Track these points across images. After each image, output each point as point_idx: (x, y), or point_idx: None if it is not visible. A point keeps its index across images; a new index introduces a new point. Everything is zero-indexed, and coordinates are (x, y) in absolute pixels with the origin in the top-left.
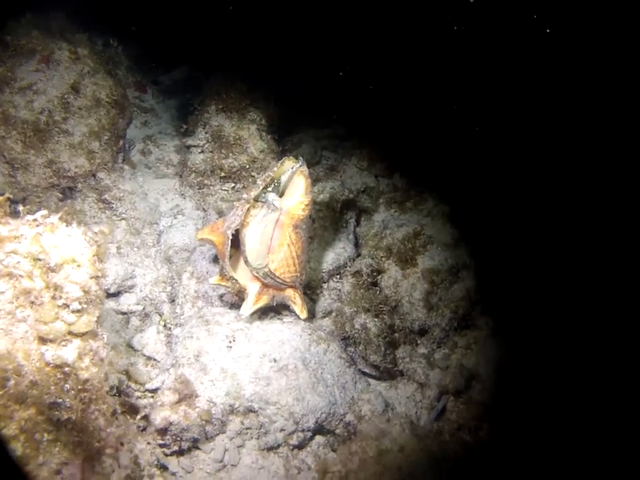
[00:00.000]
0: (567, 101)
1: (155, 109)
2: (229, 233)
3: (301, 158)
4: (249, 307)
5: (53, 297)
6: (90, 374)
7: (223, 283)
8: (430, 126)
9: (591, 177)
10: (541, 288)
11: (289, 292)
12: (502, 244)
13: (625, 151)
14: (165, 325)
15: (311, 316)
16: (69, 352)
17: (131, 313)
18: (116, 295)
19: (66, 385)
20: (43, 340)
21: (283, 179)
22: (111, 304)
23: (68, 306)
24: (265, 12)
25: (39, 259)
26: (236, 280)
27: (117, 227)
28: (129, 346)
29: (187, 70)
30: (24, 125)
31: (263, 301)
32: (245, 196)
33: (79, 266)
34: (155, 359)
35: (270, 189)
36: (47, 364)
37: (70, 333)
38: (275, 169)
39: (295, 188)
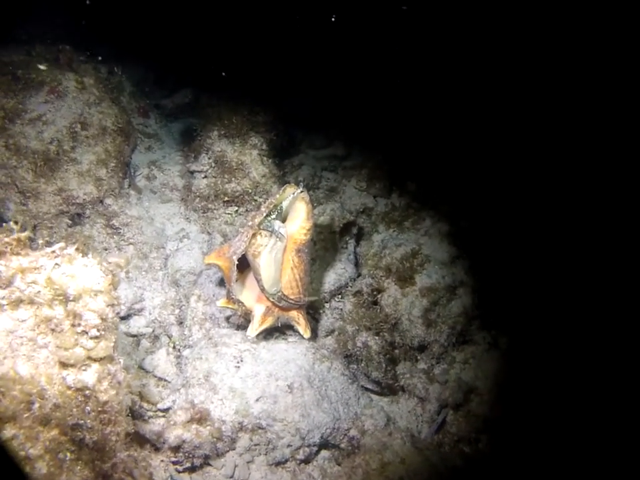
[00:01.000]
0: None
1: (158, 133)
2: (235, 258)
3: (301, 184)
4: (254, 328)
5: (73, 325)
6: (109, 396)
7: (230, 306)
8: (427, 145)
9: (587, 193)
10: (536, 302)
11: (293, 313)
12: (498, 260)
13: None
14: (174, 347)
15: (314, 335)
16: (88, 376)
17: (141, 335)
18: (126, 318)
19: (87, 407)
20: (64, 365)
21: (285, 204)
22: (121, 327)
23: (87, 332)
24: (263, 29)
25: (58, 289)
26: (242, 302)
27: (124, 251)
28: (141, 367)
29: (189, 92)
30: (34, 155)
31: (268, 322)
32: (249, 223)
33: (95, 295)
34: (165, 380)
35: (274, 215)
36: (69, 387)
37: (89, 357)
38: (277, 195)
39: (297, 213)
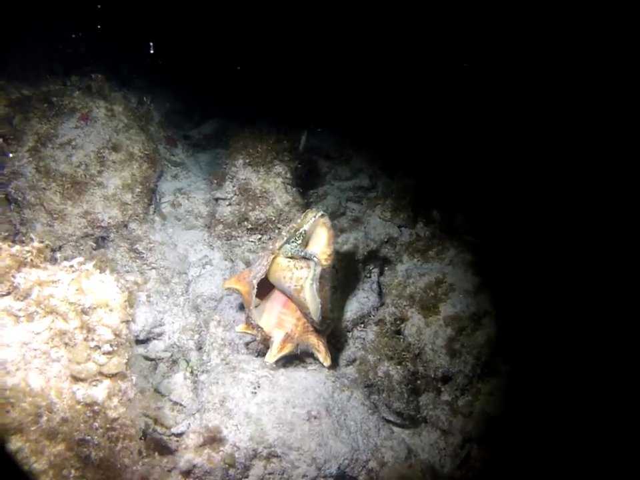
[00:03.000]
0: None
1: (185, 162)
2: (254, 282)
3: (320, 209)
4: (273, 354)
5: (86, 339)
6: (118, 413)
7: (249, 331)
8: (450, 176)
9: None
10: (562, 331)
11: (313, 340)
12: (523, 289)
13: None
14: (192, 372)
15: (335, 364)
16: (99, 391)
17: (158, 359)
18: (145, 341)
19: (95, 423)
20: (75, 379)
21: (306, 228)
22: (140, 350)
23: (99, 347)
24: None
25: (74, 303)
26: (261, 328)
27: (147, 276)
28: (156, 391)
29: (216, 123)
30: (63, 178)
31: (287, 349)
32: (270, 247)
33: (110, 310)
34: (181, 404)
35: (300, 240)
36: (78, 402)
37: (100, 373)
38: (299, 220)
39: (318, 239)
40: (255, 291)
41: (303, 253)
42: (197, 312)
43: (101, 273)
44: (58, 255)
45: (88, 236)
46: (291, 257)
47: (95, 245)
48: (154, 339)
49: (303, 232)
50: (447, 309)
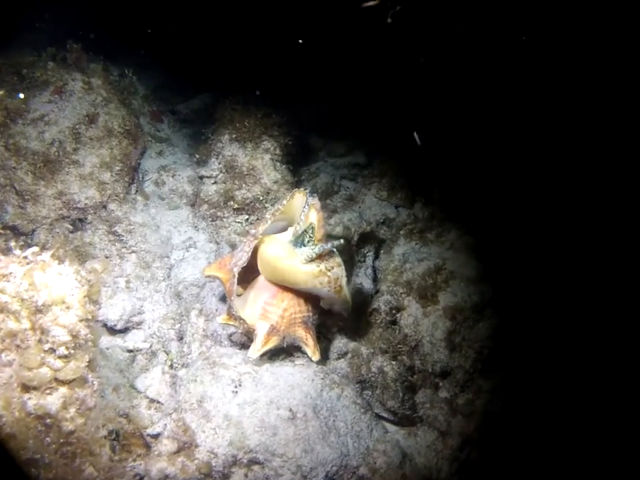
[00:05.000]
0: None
1: (170, 138)
2: (236, 270)
3: (309, 192)
4: (257, 348)
5: (39, 341)
6: (75, 425)
7: (231, 322)
8: (454, 152)
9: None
10: (567, 323)
11: (301, 332)
12: (527, 277)
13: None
14: (171, 365)
15: (325, 357)
16: (53, 401)
17: (137, 350)
18: (123, 331)
19: (47, 439)
20: (26, 387)
21: (295, 213)
22: (117, 341)
23: (54, 351)
24: (283, 34)
25: (27, 299)
26: (243, 320)
27: (126, 260)
28: (132, 387)
29: (207, 98)
30: (34, 156)
31: (273, 342)
32: (252, 231)
33: (67, 308)
34: (158, 402)
35: (310, 236)
36: (28, 414)
37: (56, 379)
38: (285, 202)
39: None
40: (236, 280)
41: (328, 246)
42: (178, 299)
43: (59, 264)
44: (12, 243)
45: (63, 218)
46: (314, 259)
47: (71, 227)
48: (133, 328)
49: (311, 229)
50: (446, 298)
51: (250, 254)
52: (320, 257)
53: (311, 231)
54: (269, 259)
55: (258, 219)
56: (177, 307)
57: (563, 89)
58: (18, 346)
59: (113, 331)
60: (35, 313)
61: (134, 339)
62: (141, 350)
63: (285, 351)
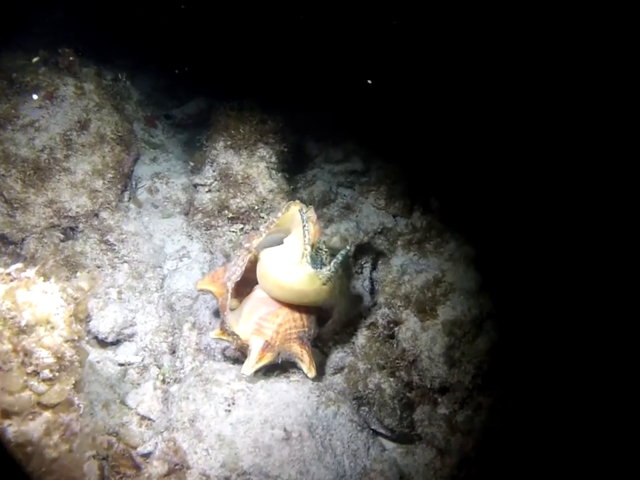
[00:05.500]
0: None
1: (165, 144)
2: (229, 285)
3: (303, 206)
4: (250, 365)
5: (22, 363)
6: (58, 452)
7: (225, 337)
8: (452, 161)
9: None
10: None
11: (296, 348)
12: (527, 289)
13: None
14: (163, 380)
15: (321, 373)
16: (35, 427)
17: (128, 364)
18: (114, 344)
19: (28, 468)
20: (6, 413)
21: (290, 224)
22: (108, 354)
23: (38, 374)
24: (278, 37)
25: (9, 319)
26: (236, 335)
27: (118, 270)
28: (123, 403)
29: (202, 102)
30: (24, 164)
31: (267, 359)
32: (246, 245)
33: (52, 328)
34: (149, 419)
35: (324, 257)
36: (8, 442)
37: (39, 404)
38: (280, 214)
39: (302, 234)
40: (230, 294)
41: (339, 259)
42: (171, 311)
43: (44, 281)
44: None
45: (54, 227)
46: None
47: (62, 236)
48: (125, 340)
49: (323, 244)
50: (446, 312)
51: (244, 268)
52: (335, 277)
53: (324, 248)
54: (290, 284)
55: (253, 228)
56: (170, 319)
57: (566, 96)
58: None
59: (103, 343)
60: (18, 333)
61: (125, 352)
62: (133, 364)
63: (279, 367)
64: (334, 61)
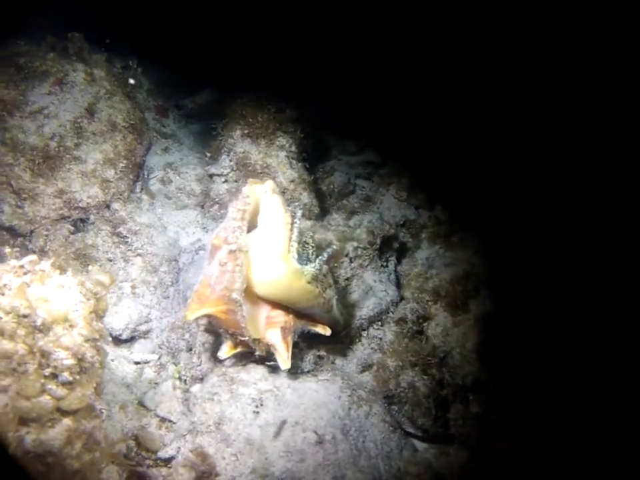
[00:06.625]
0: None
1: (176, 134)
2: (237, 296)
3: (270, 187)
4: (284, 357)
5: (39, 365)
6: (81, 463)
7: (238, 350)
8: (476, 150)
9: None
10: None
11: (308, 321)
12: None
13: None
14: (179, 377)
15: (349, 368)
16: (55, 436)
17: (145, 362)
18: (129, 341)
19: None
20: (23, 420)
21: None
22: (123, 352)
23: (56, 376)
24: (296, 30)
25: (24, 316)
26: (258, 340)
27: (132, 263)
28: (141, 404)
29: (212, 92)
30: (33, 152)
31: (291, 341)
32: (232, 247)
33: (71, 326)
34: (170, 420)
35: (311, 251)
36: (26, 452)
37: (58, 410)
38: (249, 200)
39: (269, 219)
40: (243, 307)
41: (325, 256)
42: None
43: (61, 274)
44: (6, 250)
45: (64, 218)
46: (316, 277)
47: (72, 228)
48: (140, 337)
49: (310, 238)
50: (478, 306)
51: (244, 273)
52: (321, 279)
53: (311, 241)
54: (273, 281)
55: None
56: None
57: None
58: (14, 370)
59: (118, 340)
60: (34, 332)
61: (141, 350)
62: (149, 362)
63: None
64: (344, 52)
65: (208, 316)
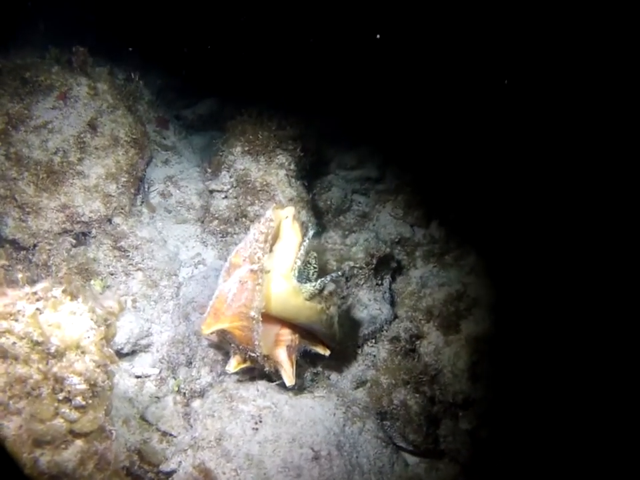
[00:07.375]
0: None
1: (176, 146)
2: (254, 314)
3: (291, 213)
4: (291, 374)
5: (53, 390)
6: None
7: (246, 365)
8: (473, 167)
9: None
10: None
11: (310, 341)
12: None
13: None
14: (178, 390)
15: (344, 385)
16: (68, 457)
17: (146, 376)
18: (130, 354)
19: None
20: (37, 442)
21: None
22: (124, 365)
23: (70, 400)
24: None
25: (38, 342)
26: (267, 356)
27: (132, 277)
28: (143, 418)
29: (213, 102)
30: (37, 166)
31: (294, 359)
32: (254, 266)
33: (83, 352)
34: (171, 434)
35: (312, 271)
36: (41, 473)
37: (71, 432)
38: (273, 223)
39: (286, 244)
40: (260, 324)
41: (328, 279)
42: (187, 320)
43: (72, 300)
44: (19, 275)
45: (66, 232)
46: (316, 295)
47: (74, 241)
48: (141, 351)
49: (313, 259)
50: (469, 327)
51: (262, 293)
52: (321, 293)
53: (313, 263)
54: (275, 295)
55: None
56: (186, 328)
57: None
58: (28, 394)
59: (119, 354)
60: (48, 357)
61: (142, 364)
62: (150, 376)
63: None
64: (344, 64)
65: (222, 331)
